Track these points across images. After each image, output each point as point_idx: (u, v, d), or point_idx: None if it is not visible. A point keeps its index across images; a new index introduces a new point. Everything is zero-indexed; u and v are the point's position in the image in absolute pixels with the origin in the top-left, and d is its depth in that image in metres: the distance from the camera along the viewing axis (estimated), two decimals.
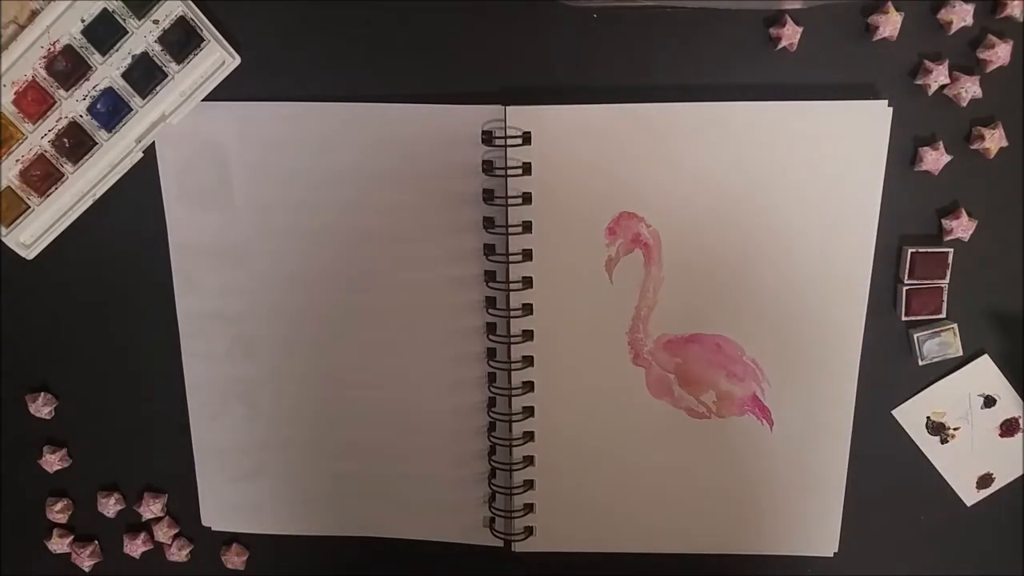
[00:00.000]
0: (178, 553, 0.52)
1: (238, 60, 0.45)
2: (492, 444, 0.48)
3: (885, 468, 0.48)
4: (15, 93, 0.44)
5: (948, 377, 0.47)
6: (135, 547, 0.52)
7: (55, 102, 0.44)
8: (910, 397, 0.48)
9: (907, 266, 0.45)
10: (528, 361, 0.47)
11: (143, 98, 0.45)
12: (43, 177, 0.45)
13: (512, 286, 0.46)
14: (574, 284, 0.46)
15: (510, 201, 0.45)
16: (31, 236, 0.47)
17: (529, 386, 0.48)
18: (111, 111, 0.45)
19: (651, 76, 0.45)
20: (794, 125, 0.44)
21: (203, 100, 0.45)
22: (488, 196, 0.45)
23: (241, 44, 0.45)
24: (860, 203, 0.45)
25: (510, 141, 0.44)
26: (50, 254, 0.47)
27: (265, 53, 0.45)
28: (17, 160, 0.45)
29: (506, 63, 0.45)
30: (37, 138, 0.45)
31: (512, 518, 0.49)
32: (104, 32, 0.43)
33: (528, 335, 0.47)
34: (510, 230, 0.45)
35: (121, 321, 0.49)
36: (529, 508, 0.49)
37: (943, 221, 0.45)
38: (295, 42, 0.45)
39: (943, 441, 0.48)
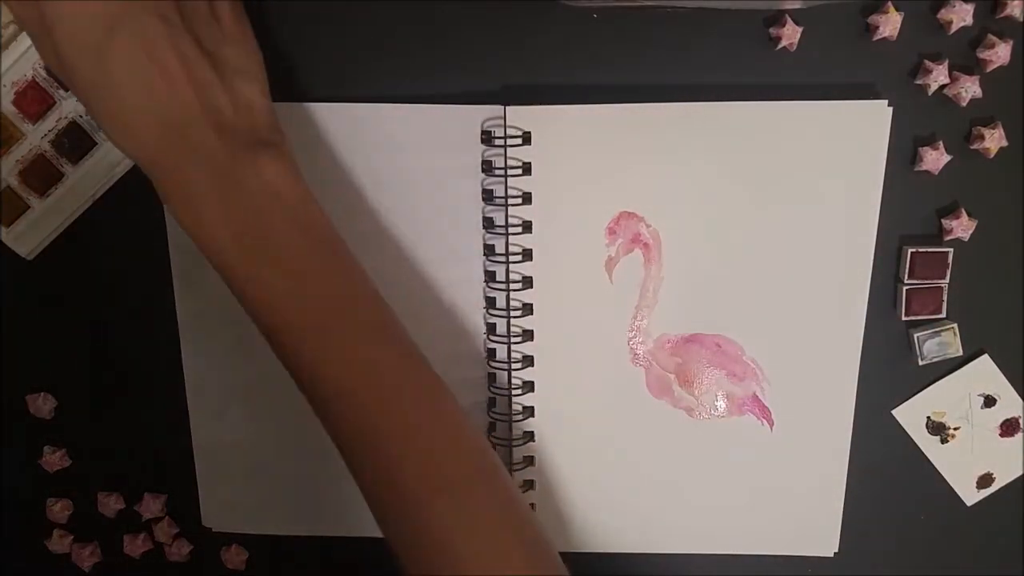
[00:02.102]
0: (178, 553, 0.52)
1: None
2: (492, 444, 0.48)
3: (885, 468, 0.48)
4: (15, 93, 0.44)
5: (948, 377, 0.47)
6: (135, 547, 0.52)
7: (55, 102, 0.44)
8: (910, 397, 0.48)
9: (907, 266, 0.45)
10: (528, 361, 0.47)
11: None
12: (43, 177, 0.45)
13: (512, 286, 0.46)
14: (574, 284, 0.46)
15: (510, 201, 0.45)
16: (31, 236, 0.47)
17: (529, 386, 0.48)
18: None
19: (651, 76, 0.45)
20: (794, 125, 0.44)
21: None
22: (488, 196, 0.45)
23: None
24: (860, 203, 0.45)
25: (510, 141, 0.44)
26: (50, 254, 0.47)
27: (265, 53, 0.45)
28: (17, 160, 0.45)
29: (506, 63, 0.45)
30: (37, 138, 0.45)
31: None
32: None
33: (528, 335, 0.47)
34: (510, 230, 0.45)
35: (121, 321, 0.49)
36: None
37: (943, 221, 0.45)
38: (295, 42, 0.45)
39: (943, 441, 0.48)
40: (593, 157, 0.45)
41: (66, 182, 0.46)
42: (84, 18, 0.35)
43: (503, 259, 0.46)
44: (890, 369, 0.47)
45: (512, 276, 0.46)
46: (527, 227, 0.46)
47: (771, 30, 0.44)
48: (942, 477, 0.49)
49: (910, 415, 0.48)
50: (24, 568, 0.53)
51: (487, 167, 0.45)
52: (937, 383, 0.47)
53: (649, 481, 0.49)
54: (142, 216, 0.47)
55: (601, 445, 0.48)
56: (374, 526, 0.51)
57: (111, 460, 0.51)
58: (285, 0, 0.45)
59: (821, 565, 0.49)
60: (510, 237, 0.46)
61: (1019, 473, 0.48)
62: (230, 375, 0.49)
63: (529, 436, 0.48)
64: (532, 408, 0.48)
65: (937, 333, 0.46)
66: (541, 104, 0.44)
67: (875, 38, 0.43)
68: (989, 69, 0.43)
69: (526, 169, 0.45)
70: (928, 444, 0.48)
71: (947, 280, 0.46)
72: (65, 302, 0.49)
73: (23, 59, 0.43)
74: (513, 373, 0.47)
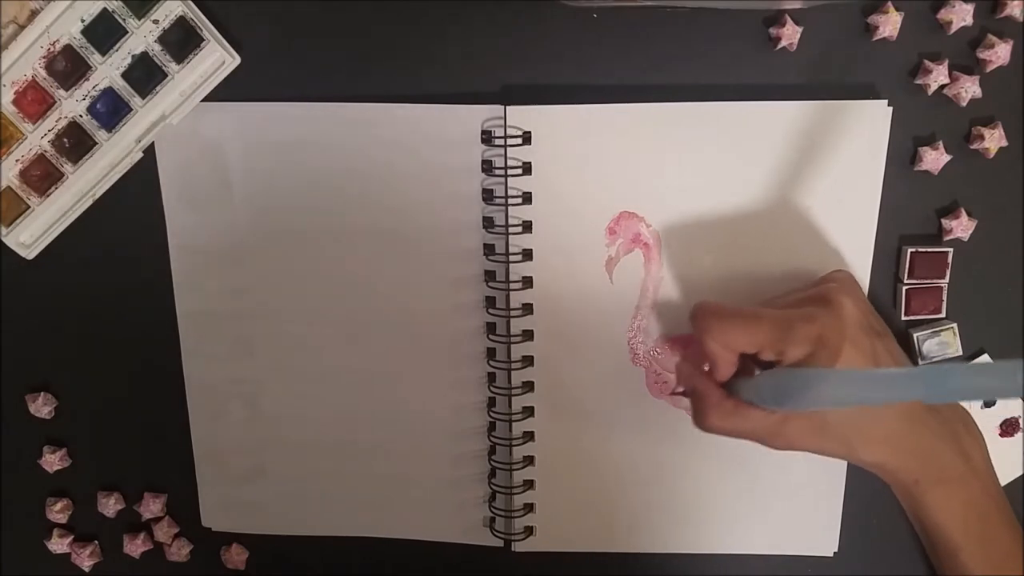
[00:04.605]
0: (178, 553, 0.52)
1: (238, 60, 0.45)
2: (492, 444, 0.49)
3: None
4: (15, 93, 0.44)
5: None
6: (135, 547, 0.52)
7: (55, 102, 0.44)
8: None
9: (907, 266, 0.45)
10: (528, 361, 0.47)
11: (143, 98, 0.45)
12: (43, 177, 0.45)
13: (512, 286, 0.46)
14: (574, 284, 0.46)
15: (510, 201, 0.45)
16: (31, 236, 0.47)
17: (529, 386, 0.48)
18: (111, 111, 0.45)
19: (651, 76, 0.45)
20: (794, 125, 0.44)
21: (203, 100, 0.45)
22: (488, 196, 0.45)
23: (241, 44, 0.45)
24: (860, 203, 0.45)
25: (510, 141, 0.44)
26: (50, 254, 0.47)
27: (265, 53, 0.45)
28: (17, 160, 0.45)
29: (506, 63, 0.45)
30: (37, 138, 0.45)
31: (512, 518, 0.49)
32: (104, 32, 0.43)
33: (528, 335, 0.47)
34: (510, 230, 0.45)
35: (121, 321, 0.49)
36: (529, 508, 0.49)
37: (943, 221, 0.45)
38: (295, 42, 0.45)
39: None
40: (593, 157, 0.45)
41: (66, 182, 0.46)
42: None
43: (503, 259, 0.46)
44: None
45: (512, 276, 0.46)
46: (527, 227, 0.46)
47: (771, 30, 0.44)
48: None
49: None
50: (24, 568, 0.53)
51: (487, 167, 0.45)
52: None
53: (649, 481, 0.49)
54: (142, 216, 0.47)
55: (601, 445, 0.48)
56: (374, 526, 0.51)
57: (111, 460, 0.51)
58: (284, 0, 0.45)
59: (821, 565, 0.49)
60: (510, 237, 0.46)
61: (1019, 473, 0.48)
62: (230, 375, 0.49)
63: (529, 436, 0.48)
64: (532, 408, 0.48)
65: (937, 333, 0.46)
66: (541, 104, 0.44)
67: (875, 38, 0.43)
68: (989, 69, 0.43)
69: (526, 169, 0.45)
70: None
71: (947, 280, 0.46)
72: (65, 302, 0.49)
73: (23, 59, 0.43)
74: (513, 373, 0.47)
